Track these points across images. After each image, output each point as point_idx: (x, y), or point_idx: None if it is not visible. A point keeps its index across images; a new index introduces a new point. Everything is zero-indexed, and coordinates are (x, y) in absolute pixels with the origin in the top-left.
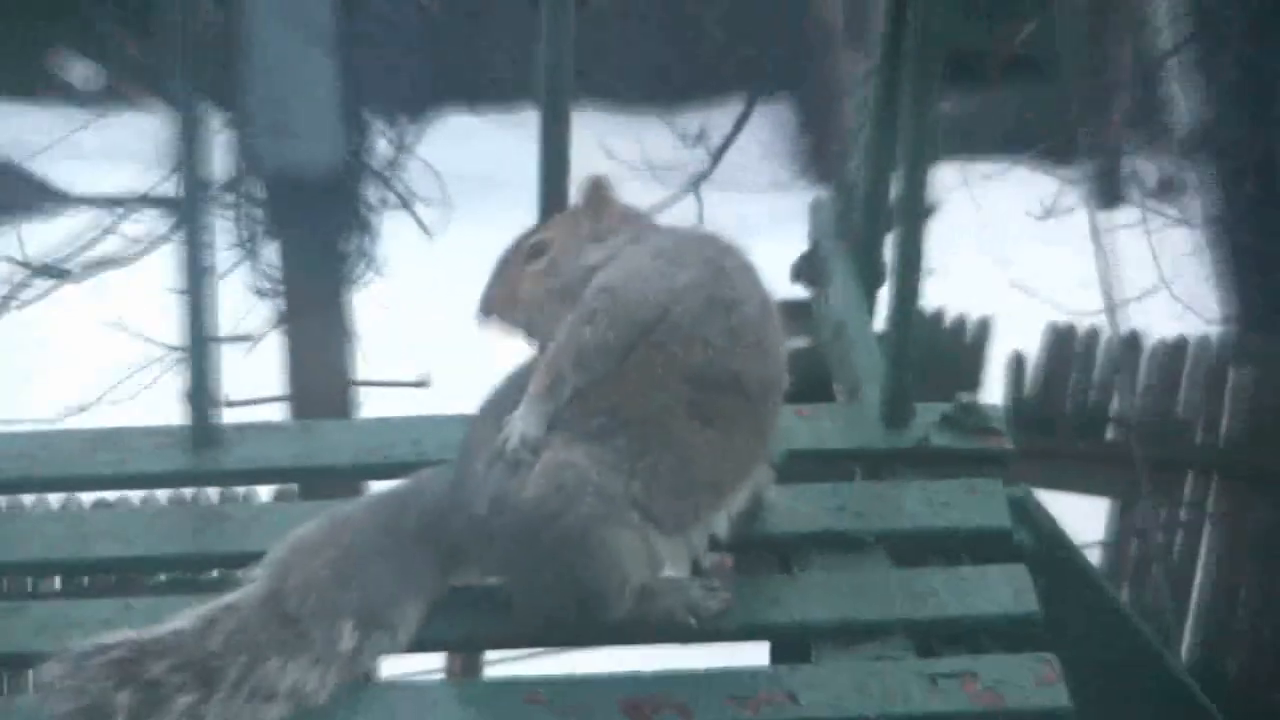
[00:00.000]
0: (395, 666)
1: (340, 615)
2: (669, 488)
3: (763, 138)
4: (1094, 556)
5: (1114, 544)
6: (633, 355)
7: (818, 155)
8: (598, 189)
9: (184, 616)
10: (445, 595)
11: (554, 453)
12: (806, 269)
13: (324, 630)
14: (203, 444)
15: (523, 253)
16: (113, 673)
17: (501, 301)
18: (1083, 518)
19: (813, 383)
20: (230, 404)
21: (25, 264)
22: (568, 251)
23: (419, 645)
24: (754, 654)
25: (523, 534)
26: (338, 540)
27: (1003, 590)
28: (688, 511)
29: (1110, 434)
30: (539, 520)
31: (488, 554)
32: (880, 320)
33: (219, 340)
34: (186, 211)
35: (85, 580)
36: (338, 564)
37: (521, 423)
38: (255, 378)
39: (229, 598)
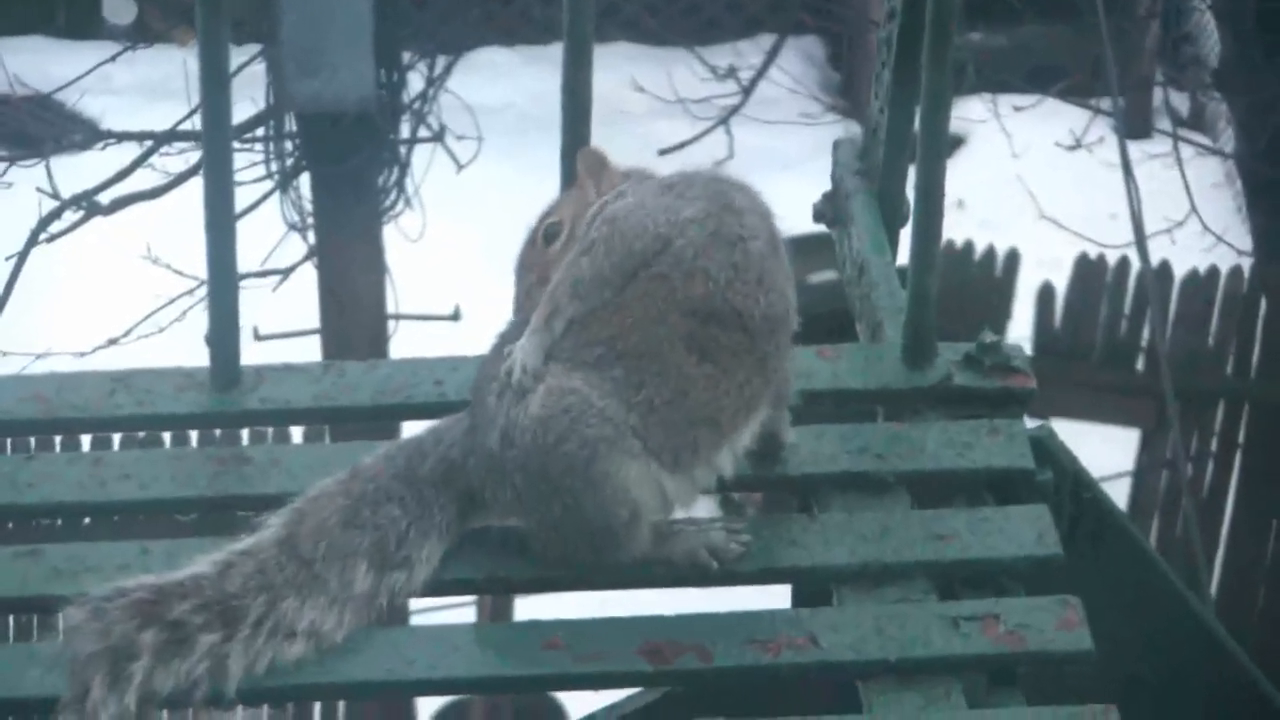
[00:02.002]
0: (424, 610)
1: (353, 556)
2: (665, 420)
3: (793, 71)
4: (1123, 487)
5: (1143, 475)
6: (633, 287)
7: (848, 88)
8: (593, 159)
9: (200, 562)
10: (465, 538)
11: (555, 379)
12: (828, 209)
13: (338, 571)
14: (223, 385)
15: (539, 241)
16: (135, 613)
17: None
18: (1113, 449)
19: (845, 316)
20: (260, 338)
21: (56, 196)
22: (581, 221)
23: (441, 588)
24: (775, 597)
25: (530, 462)
26: (350, 490)
27: (1025, 532)
28: (686, 448)
29: (1140, 365)
30: (545, 446)
31: (501, 492)
32: (902, 260)
33: (242, 276)
34: (207, 144)
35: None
36: (349, 510)
37: (520, 353)
38: (288, 310)
39: (244, 543)
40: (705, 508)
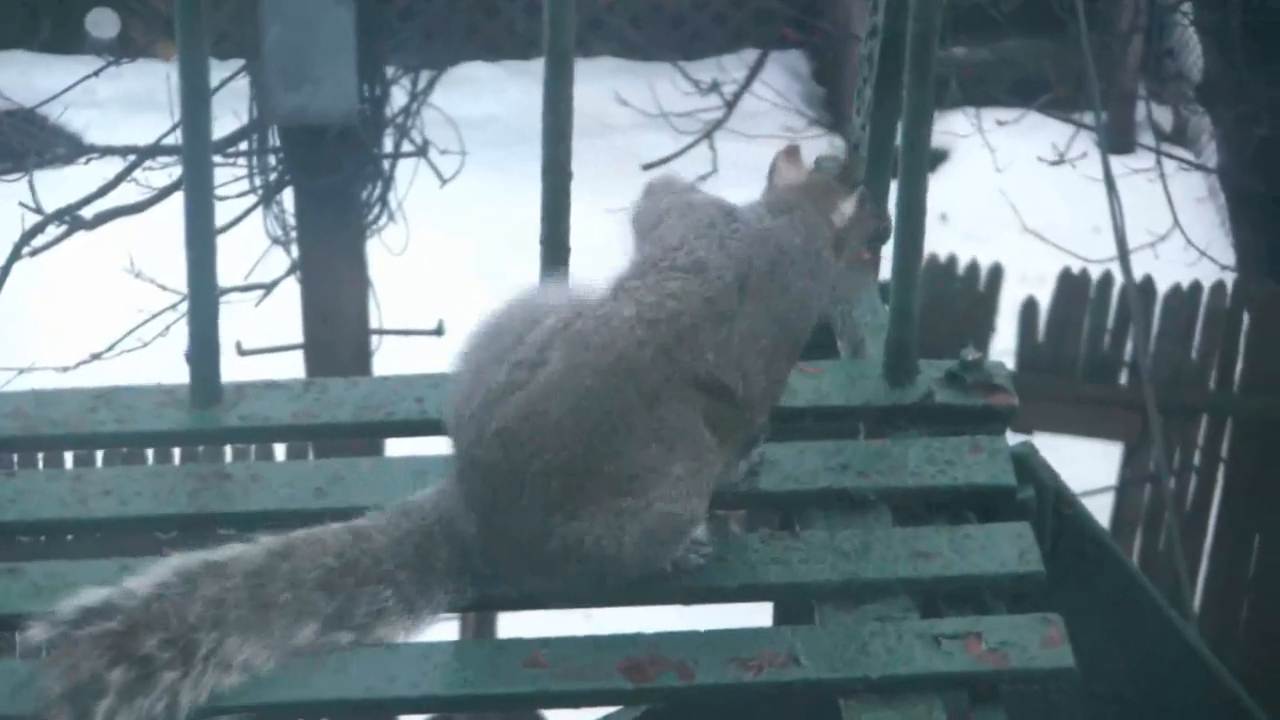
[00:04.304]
0: None
1: (309, 616)
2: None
3: (777, 86)
4: (1106, 502)
5: (1126, 489)
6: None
7: (832, 103)
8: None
9: (166, 568)
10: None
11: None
12: None
13: (288, 623)
14: (203, 402)
15: None
16: (106, 650)
17: None
18: (1096, 463)
19: (826, 332)
20: (243, 352)
21: (39, 211)
22: None
23: None
24: (756, 614)
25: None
26: (344, 553)
27: (1007, 549)
28: None
29: (1123, 380)
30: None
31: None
32: (884, 276)
33: (225, 291)
34: (188, 158)
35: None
36: (333, 575)
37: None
38: (271, 325)
39: (217, 556)
40: None
